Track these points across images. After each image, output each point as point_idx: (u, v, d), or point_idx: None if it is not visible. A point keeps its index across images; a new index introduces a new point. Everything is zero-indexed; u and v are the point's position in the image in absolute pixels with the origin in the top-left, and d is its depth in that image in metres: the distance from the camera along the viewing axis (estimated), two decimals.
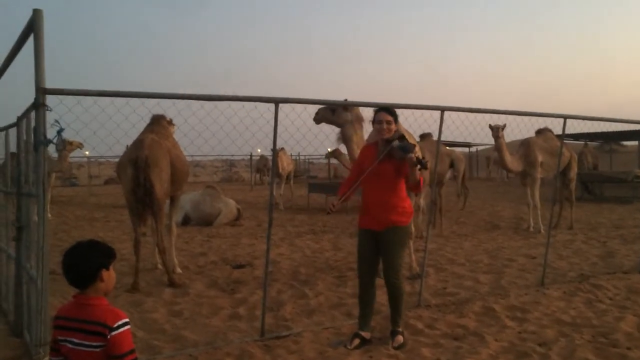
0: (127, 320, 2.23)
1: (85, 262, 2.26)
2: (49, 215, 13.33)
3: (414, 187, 4.29)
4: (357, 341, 4.27)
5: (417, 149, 4.27)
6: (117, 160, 7.29)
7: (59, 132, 3.24)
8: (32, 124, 3.49)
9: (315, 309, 5.37)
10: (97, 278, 2.26)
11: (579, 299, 5.51)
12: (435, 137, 5.92)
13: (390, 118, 4.24)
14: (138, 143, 6.31)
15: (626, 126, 7.94)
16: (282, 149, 14.32)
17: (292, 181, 18.11)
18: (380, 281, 4.47)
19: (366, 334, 4.34)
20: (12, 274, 4.79)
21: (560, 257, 7.85)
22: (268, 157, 21.25)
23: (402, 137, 4.20)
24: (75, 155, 22.06)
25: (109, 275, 2.31)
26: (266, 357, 4.05)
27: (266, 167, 25.37)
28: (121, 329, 2.19)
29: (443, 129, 5.11)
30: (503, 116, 5.92)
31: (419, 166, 4.05)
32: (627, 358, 3.91)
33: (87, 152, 21.67)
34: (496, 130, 9.57)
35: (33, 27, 3.17)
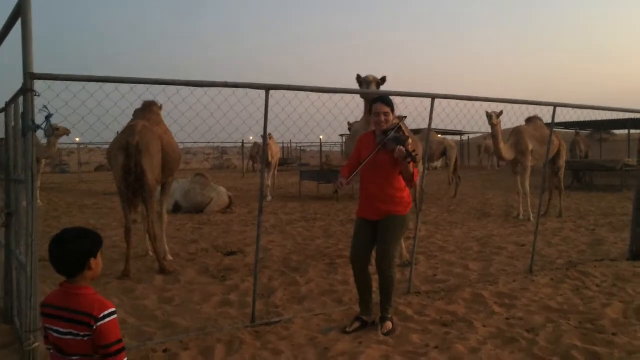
0: (113, 310, 2.22)
1: (73, 252, 2.24)
2: (39, 202, 13.22)
3: (408, 180, 4.30)
4: (357, 324, 4.34)
5: (410, 141, 4.27)
6: (107, 146, 7.25)
7: (48, 117, 3.22)
8: (21, 109, 3.46)
9: (306, 295, 5.40)
10: (85, 267, 2.25)
11: (567, 286, 5.57)
12: (409, 122, 5.93)
13: (387, 109, 4.24)
14: (129, 129, 6.27)
15: (616, 115, 8.01)
16: (271, 136, 14.16)
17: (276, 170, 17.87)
18: (372, 268, 4.49)
19: (368, 318, 4.39)
20: (1, 261, 4.77)
21: (549, 245, 7.93)
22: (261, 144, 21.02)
23: (398, 129, 4.20)
24: (65, 142, 21.90)
25: (97, 263, 2.30)
26: (256, 343, 4.07)
27: (259, 155, 25.26)
28: (107, 319, 2.18)
29: (434, 116, 5.13)
30: (494, 104, 5.93)
31: (408, 159, 4.06)
32: (613, 344, 3.96)
33: (77, 139, 21.50)
34: (491, 117, 9.55)
35: (21, 11, 3.13)
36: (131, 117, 6.77)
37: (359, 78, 5.99)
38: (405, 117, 4.47)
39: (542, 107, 6.17)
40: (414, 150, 4.13)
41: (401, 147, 4.03)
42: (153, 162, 6.23)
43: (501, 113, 9.57)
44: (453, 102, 5.27)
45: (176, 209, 11.84)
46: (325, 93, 4.51)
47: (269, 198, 14.85)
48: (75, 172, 28.50)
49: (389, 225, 4.26)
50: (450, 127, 6.32)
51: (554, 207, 11.31)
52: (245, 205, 13.43)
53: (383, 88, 5.94)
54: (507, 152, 10.27)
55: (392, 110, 4.28)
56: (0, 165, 5.16)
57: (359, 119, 7.31)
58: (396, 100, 4.53)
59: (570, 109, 6.21)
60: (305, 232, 9.29)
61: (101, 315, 2.17)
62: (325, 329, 4.38)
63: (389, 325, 4.28)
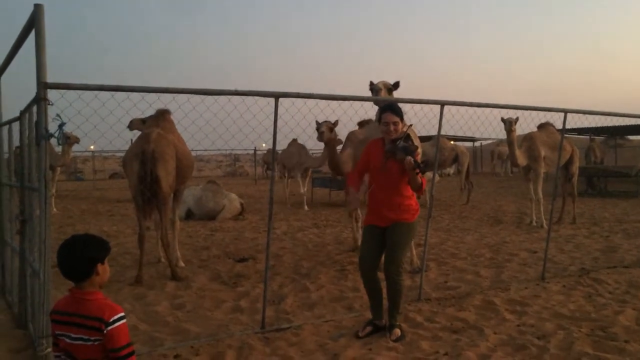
0: (123, 314, 2.27)
1: (81, 257, 2.29)
2: (54, 209, 13.33)
3: (416, 189, 4.29)
4: (369, 329, 4.37)
5: (419, 151, 4.26)
6: (122, 154, 7.35)
7: (60, 126, 3.28)
8: (34, 118, 3.53)
9: (316, 302, 5.41)
10: (93, 272, 2.30)
11: (579, 293, 5.53)
12: (419, 129, 5.93)
13: (396, 119, 4.23)
14: (144, 137, 6.35)
15: (628, 120, 7.94)
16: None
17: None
18: (380, 275, 4.50)
19: (379, 322, 4.42)
20: (16, 267, 4.85)
21: (562, 252, 7.86)
22: (277, 151, 20.28)
23: (407, 138, 4.19)
24: (80, 150, 22.15)
25: (104, 269, 2.35)
26: (266, 349, 4.09)
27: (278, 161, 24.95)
28: (117, 323, 2.23)
29: (444, 123, 5.15)
30: (504, 110, 5.92)
31: (417, 170, 4.06)
32: (625, 351, 3.93)
33: (92, 147, 21.75)
34: (509, 124, 9.49)
35: (34, 22, 3.20)
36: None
37: (371, 84, 6.02)
38: (411, 125, 4.45)
39: (554, 113, 6.15)
40: (422, 161, 4.13)
41: (409, 158, 4.02)
42: (167, 170, 6.30)
43: (517, 119, 9.52)
44: (463, 108, 5.28)
45: (189, 215, 11.94)
46: (334, 100, 4.53)
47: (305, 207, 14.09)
48: (90, 179, 28.80)
49: (397, 233, 4.27)
50: (460, 134, 6.30)
51: (568, 213, 11.22)
52: (257, 212, 13.48)
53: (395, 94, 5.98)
54: (521, 158, 10.22)
55: (402, 119, 4.28)
56: (15, 173, 5.25)
57: (328, 119, 7.11)
58: (405, 107, 4.55)
59: (582, 114, 6.18)
60: (316, 239, 9.31)
61: (111, 320, 2.22)
62: (335, 335, 4.39)
63: (397, 332, 4.28)
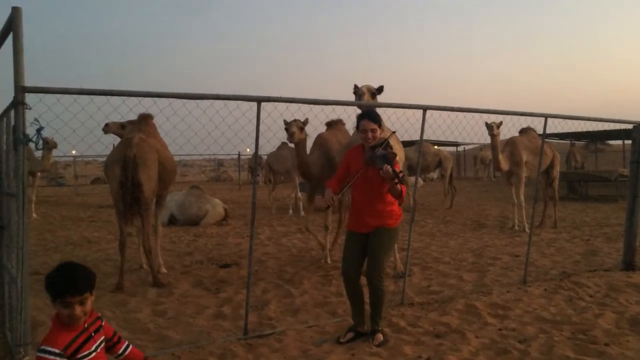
0: (44, 348, 2.26)
1: (59, 283, 2.32)
2: (34, 215, 13.13)
3: (396, 198, 4.27)
4: (350, 335, 4.35)
5: (397, 159, 4.25)
6: (104, 159, 7.27)
7: (39, 130, 3.24)
8: (12, 122, 3.48)
9: (299, 307, 5.39)
10: (54, 301, 2.32)
11: (560, 297, 5.58)
12: (401, 133, 5.87)
13: (374, 126, 4.22)
14: (125, 142, 6.29)
15: (607, 125, 8.05)
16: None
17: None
18: (363, 280, 4.49)
19: (361, 328, 4.40)
20: None
21: (543, 256, 7.93)
22: (262, 156, 19.69)
23: (386, 145, 4.19)
24: (61, 155, 21.89)
25: (64, 306, 2.31)
26: (248, 356, 4.06)
27: (261, 166, 24.76)
28: (37, 354, 2.27)
29: (427, 127, 5.17)
30: (485, 115, 5.97)
31: (395, 179, 4.05)
32: (605, 354, 3.96)
33: (74, 152, 21.51)
34: (492, 128, 9.56)
35: (12, 25, 3.16)
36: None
37: (355, 88, 6.01)
38: (394, 132, 4.41)
39: (534, 118, 6.21)
40: (401, 171, 4.13)
41: (388, 167, 3.99)
42: (149, 175, 6.24)
43: (501, 124, 9.58)
44: (445, 113, 5.30)
45: (171, 221, 11.83)
46: (317, 105, 4.53)
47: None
48: (72, 184, 28.46)
49: (378, 238, 4.26)
50: (443, 138, 6.33)
51: (549, 217, 11.32)
52: (241, 217, 13.42)
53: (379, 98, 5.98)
54: (504, 163, 10.30)
55: (379, 126, 4.27)
56: None
57: (293, 118, 6.68)
58: (388, 111, 4.56)
59: (562, 119, 6.24)
60: (300, 244, 9.29)
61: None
62: (319, 340, 4.37)
63: (379, 337, 4.27)
